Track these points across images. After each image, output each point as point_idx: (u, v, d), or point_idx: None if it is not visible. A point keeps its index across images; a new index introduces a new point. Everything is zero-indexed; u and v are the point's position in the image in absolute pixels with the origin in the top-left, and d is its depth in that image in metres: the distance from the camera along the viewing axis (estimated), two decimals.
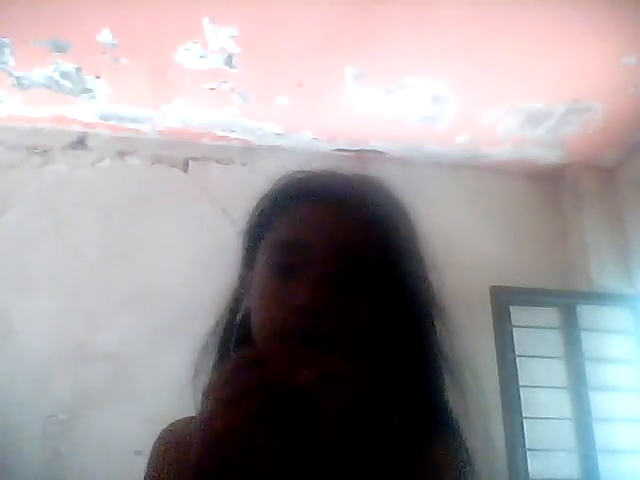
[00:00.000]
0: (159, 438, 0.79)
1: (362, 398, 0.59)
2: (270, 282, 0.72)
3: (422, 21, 2.15)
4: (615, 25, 2.15)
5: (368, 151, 2.80)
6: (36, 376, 2.29)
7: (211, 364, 0.80)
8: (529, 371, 2.49)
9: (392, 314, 0.71)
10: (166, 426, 0.80)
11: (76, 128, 2.69)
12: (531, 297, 2.63)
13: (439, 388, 0.73)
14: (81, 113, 2.61)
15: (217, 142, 2.78)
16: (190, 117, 2.64)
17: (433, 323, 0.74)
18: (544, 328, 2.58)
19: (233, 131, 2.73)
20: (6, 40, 2.23)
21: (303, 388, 0.59)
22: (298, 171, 0.80)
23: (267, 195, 0.80)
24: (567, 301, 2.65)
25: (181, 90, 2.48)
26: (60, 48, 2.27)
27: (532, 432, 2.40)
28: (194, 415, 0.79)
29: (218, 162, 2.78)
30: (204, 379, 0.78)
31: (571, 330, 2.59)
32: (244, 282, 0.78)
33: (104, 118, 2.64)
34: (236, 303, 0.79)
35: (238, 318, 0.76)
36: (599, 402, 2.49)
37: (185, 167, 2.75)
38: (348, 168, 0.80)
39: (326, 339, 0.66)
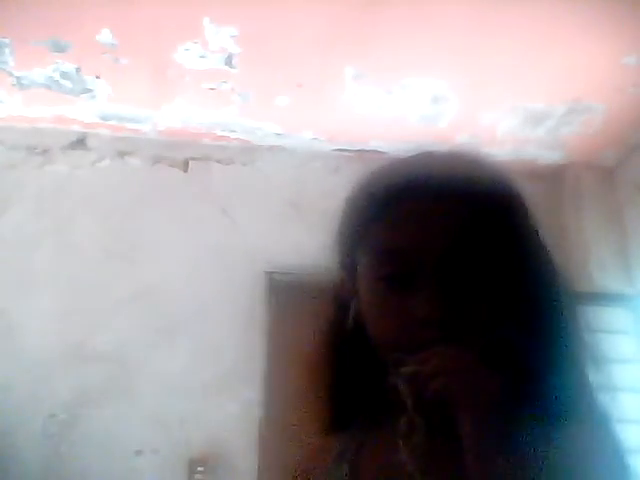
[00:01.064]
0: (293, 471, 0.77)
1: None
2: (382, 295, 0.67)
3: (422, 21, 2.15)
4: (615, 25, 2.15)
5: (368, 151, 2.80)
6: (36, 376, 2.29)
7: (332, 374, 0.74)
8: None
9: (523, 304, 0.66)
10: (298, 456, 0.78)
11: (76, 128, 2.69)
12: None
13: (580, 373, 0.68)
14: (81, 113, 2.61)
15: (217, 142, 2.78)
16: (190, 117, 2.64)
17: (566, 308, 0.69)
18: None
19: (233, 131, 2.73)
20: (6, 40, 2.23)
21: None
22: (390, 164, 0.73)
23: (360, 195, 0.72)
24: None
25: (181, 90, 2.48)
26: (60, 48, 2.27)
27: None
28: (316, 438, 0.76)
29: (218, 162, 2.78)
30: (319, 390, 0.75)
31: None
32: (347, 286, 0.73)
33: (104, 118, 2.64)
34: (344, 310, 0.73)
35: (349, 324, 0.71)
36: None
37: (185, 167, 2.75)
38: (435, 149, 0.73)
39: (454, 343, 0.62)
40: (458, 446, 0.58)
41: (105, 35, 2.21)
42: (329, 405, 0.74)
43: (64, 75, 2.39)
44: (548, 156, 2.87)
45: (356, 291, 0.71)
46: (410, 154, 0.74)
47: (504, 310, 0.65)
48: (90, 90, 2.48)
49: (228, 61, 2.34)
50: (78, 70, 2.37)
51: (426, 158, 0.72)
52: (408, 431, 0.62)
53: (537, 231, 0.71)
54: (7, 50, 2.27)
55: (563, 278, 0.70)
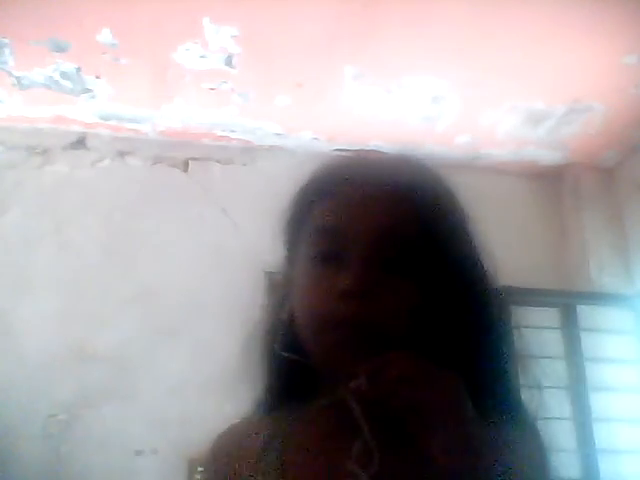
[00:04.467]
0: (212, 445, 0.78)
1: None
2: (312, 271, 0.69)
3: (422, 21, 2.15)
4: (615, 25, 2.15)
5: (368, 151, 2.79)
6: (36, 376, 2.29)
7: (256, 366, 0.77)
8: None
9: (445, 297, 0.67)
10: (221, 432, 0.79)
11: (76, 128, 2.69)
12: (531, 297, 2.62)
13: (507, 373, 0.69)
14: (81, 113, 2.61)
15: (217, 142, 2.78)
16: (190, 117, 2.64)
17: (491, 305, 0.70)
18: (544, 328, 2.57)
19: (233, 131, 2.73)
20: (6, 40, 2.23)
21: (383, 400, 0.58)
22: (331, 159, 0.77)
23: (302, 188, 0.76)
24: (567, 301, 2.65)
25: (181, 90, 2.48)
26: (60, 48, 2.27)
27: None
28: (246, 418, 0.78)
29: (218, 162, 2.78)
30: (248, 380, 0.77)
31: (571, 330, 2.59)
32: (288, 281, 0.75)
33: (104, 118, 2.64)
34: (281, 303, 0.76)
35: (283, 317, 0.73)
36: (599, 402, 2.49)
37: (185, 167, 2.75)
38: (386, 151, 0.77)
39: (376, 325, 0.63)
40: (412, 458, 0.57)
41: (105, 35, 2.21)
42: (261, 388, 0.77)
43: (64, 75, 2.39)
44: (548, 156, 2.87)
45: (293, 282, 0.73)
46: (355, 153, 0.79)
47: (430, 303, 0.66)
48: (90, 90, 2.48)
49: (228, 61, 2.34)
50: (78, 70, 2.37)
51: (369, 155, 0.78)
52: (363, 457, 0.60)
53: (468, 231, 0.72)
54: (7, 50, 2.27)
55: (491, 278, 0.72)
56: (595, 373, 2.53)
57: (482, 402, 0.61)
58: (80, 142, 2.72)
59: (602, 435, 2.44)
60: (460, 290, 0.67)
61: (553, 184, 2.96)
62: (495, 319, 0.70)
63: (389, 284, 0.65)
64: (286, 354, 0.70)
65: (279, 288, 0.77)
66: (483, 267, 0.71)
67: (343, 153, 2.82)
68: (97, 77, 2.41)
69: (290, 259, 0.75)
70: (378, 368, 0.59)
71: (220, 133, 2.74)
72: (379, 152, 0.78)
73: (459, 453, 0.56)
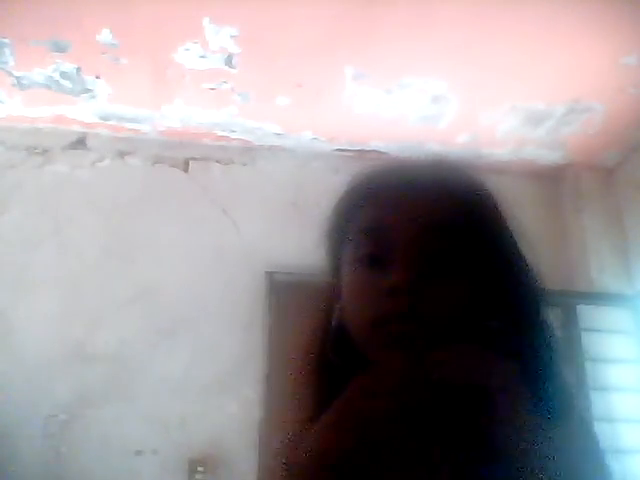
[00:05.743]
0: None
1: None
2: (359, 272, 0.70)
3: (422, 21, 2.15)
4: (615, 25, 2.16)
5: (368, 151, 2.80)
6: (36, 376, 2.29)
7: (310, 373, 0.76)
8: None
9: (494, 293, 0.68)
10: None
11: (76, 128, 2.69)
12: None
13: (558, 368, 0.69)
14: (81, 113, 2.61)
15: (217, 142, 2.78)
16: (190, 117, 2.64)
17: (539, 300, 0.72)
18: None
19: (233, 131, 2.73)
20: (6, 40, 2.23)
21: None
22: (368, 168, 0.78)
23: (343, 196, 0.77)
24: (567, 301, 2.65)
25: (181, 90, 2.48)
26: (60, 48, 2.27)
27: None
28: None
29: (218, 162, 2.78)
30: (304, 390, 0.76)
31: (571, 330, 2.59)
32: (333, 287, 0.76)
33: (104, 118, 2.64)
34: (329, 314, 0.76)
35: (332, 323, 0.73)
36: (599, 402, 2.49)
37: (185, 167, 2.75)
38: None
39: (425, 320, 0.64)
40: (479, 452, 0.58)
41: (105, 35, 2.21)
42: (313, 399, 0.75)
43: (64, 75, 2.39)
44: (548, 156, 2.87)
45: (340, 292, 0.73)
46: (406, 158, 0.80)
47: (475, 300, 0.67)
48: (90, 90, 2.48)
49: (228, 61, 2.34)
50: (78, 70, 2.38)
51: (414, 160, 0.78)
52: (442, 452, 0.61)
53: (509, 231, 0.74)
54: (7, 50, 2.27)
55: (536, 278, 0.73)
56: (595, 373, 2.53)
57: (536, 398, 0.62)
58: (80, 142, 2.72)
59: (602, 435, 2.44)
60: (508, 285, 0.69)
61: (553, 184, 2.96)
62: (543, 314, 0.71)
63: (435, 282, 0.66)
64: (343, 361, 0.70)
65: (325, 296, 0.77)
66: (527, 263, 0.73)
67: (343, 153, 2.82)
68: (97, 77, 2.41)
69: (333, 266, 0.76)
70: (445, 359, 0.60)
71: (220, 133, 2.74)
72: (414, 158, 0.79)
73: (524, 447, 0.57)
